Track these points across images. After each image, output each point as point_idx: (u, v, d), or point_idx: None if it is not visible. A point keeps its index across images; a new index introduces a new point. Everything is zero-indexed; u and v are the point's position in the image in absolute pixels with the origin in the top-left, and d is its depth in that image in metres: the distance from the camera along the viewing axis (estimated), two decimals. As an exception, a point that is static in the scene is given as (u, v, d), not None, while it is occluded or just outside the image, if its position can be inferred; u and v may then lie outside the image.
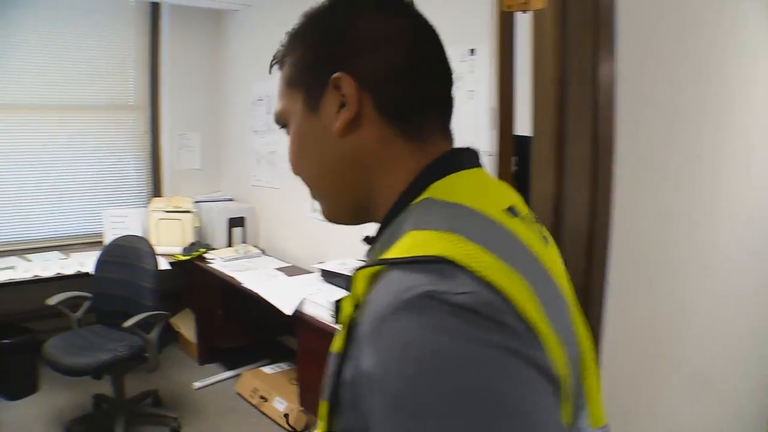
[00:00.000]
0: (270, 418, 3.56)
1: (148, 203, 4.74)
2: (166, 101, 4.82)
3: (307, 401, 3.31)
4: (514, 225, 0.73)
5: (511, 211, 0.75)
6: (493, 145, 1.75)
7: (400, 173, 0.78)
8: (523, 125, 1.61)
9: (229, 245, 4.41)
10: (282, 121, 0.87)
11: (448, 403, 0.53)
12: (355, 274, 0.66)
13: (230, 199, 4.76)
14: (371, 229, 0.83)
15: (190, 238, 4.42)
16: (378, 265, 0.64)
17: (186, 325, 4.55)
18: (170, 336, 4.61)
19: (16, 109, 4.48)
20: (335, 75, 0.76)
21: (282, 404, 3.49)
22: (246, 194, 4.70)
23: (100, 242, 4.24)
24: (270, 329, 4.18)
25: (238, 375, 4.10)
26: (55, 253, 4.37)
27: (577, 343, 0.74)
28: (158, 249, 4.32)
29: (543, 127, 1.50)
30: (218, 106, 4.96)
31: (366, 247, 0.84)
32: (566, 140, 1.47)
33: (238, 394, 3.90)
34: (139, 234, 4.41)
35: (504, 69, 1.72)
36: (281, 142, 4.17)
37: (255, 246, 4.39)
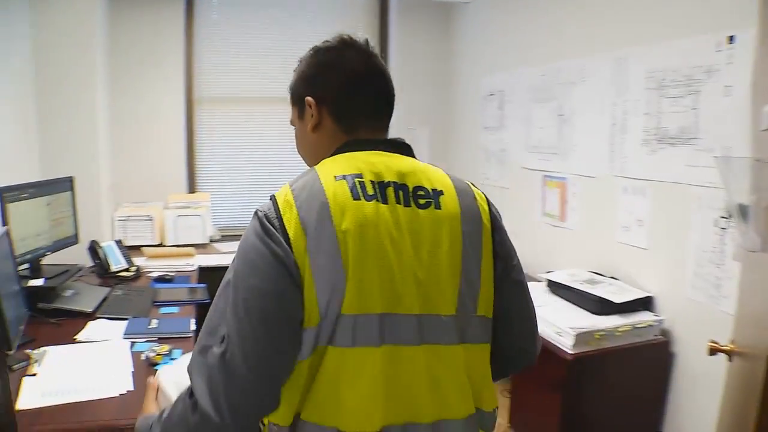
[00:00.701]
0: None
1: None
2: (396, 95, 4.78)
3: (517, 421, 3.05)
4: (329, 185, 1.19)
5: (346, 179, 1.20)
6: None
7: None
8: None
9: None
10: (292, 124, 1.45)
11: (240, 250, 1.18)
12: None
13: (457, 197, 4.61)
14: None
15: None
16: None
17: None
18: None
19: (249, 102, 4.86)
20: (306, 98, 1.35)
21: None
22: (474, 193, 4.51)
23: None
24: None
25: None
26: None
27: (345, 267, 1.13)
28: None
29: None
30: (448, 100, 4.85)
31: None
32: None
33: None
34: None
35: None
36: (512, 139, 3.95)
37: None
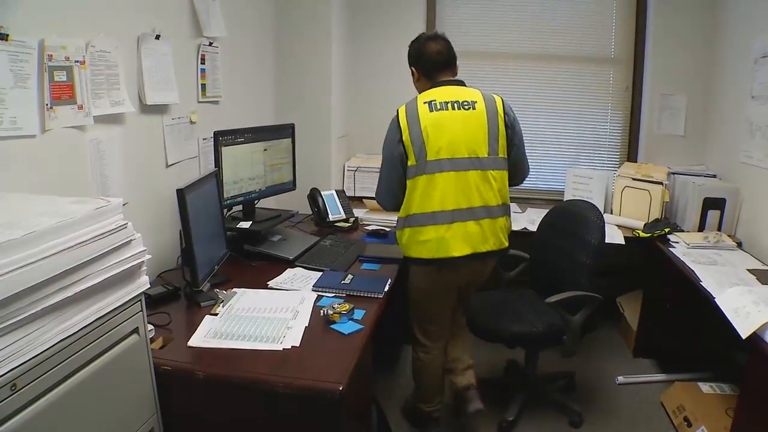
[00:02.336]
0: (688, 447, 2.95)
1: (617, 167, 4.32)
2: (649, 56, 4.30)
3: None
4: (421, 107, 2.64)
5: (428, 103, 2.64)
6: None
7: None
8: None
9: (700, 230, 3.70)
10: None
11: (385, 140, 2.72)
12: None
13: (713, 176, 3.97)
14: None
15: (656, 214, 3.87)
16: None
17: (631, 309, 4.05)
18: (612, 317, 4.24)
19: (496, 58, 4.60)
20: (411, 67, 2.86)
21: (707, 438, 2.81)
22: (732, 172, 3.84)
23: (560, 200, 4.02)
24: (723, 338, 3.36)
25: (669, 382, 3.50)
26: (512, 206, 4.29)
27: (426, 154, 2.58)
28: (618, 219, 3.95)
29: None
30: (710, 64, 4.14)
31: None
32: None
33: (662, 404, 3.34)
34: (600, 200, 4.09)
35: None
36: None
37: (730, 236, 3.57)
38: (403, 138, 2.60)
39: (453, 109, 2.64)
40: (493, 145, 2.64)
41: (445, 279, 2.75)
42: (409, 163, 2.61)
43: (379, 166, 2.78)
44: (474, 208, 2.61)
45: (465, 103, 2.66)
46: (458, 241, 2.61)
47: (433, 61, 2.75)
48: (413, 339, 3.01)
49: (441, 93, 2.67)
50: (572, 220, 3.21)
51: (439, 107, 2.63)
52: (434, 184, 2.58)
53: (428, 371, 3.00)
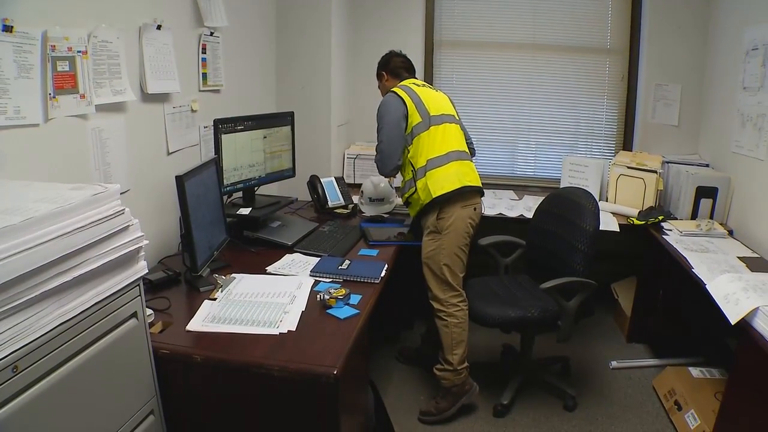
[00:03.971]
0: (676, 430, 3.01)
1: (612, 156, 4.37)
2: (644, 46, 4.33)
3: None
4: (409, 85, 3.26)
5: (411, 84, 3.29)
6: None
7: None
8: None
9: (693, 218, 3.74)
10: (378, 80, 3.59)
11: (386, 112, 3.18)
12: None
13: (706, 165, 4.02)
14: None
15: (650, 202, 3.92)
16: None
17: (625, 295, 4.11)
18: (606, 303, 4.31)
19: (493, 48, 4.65)
20: (381, 72, 3.52)
21: (694, 420, 2.88)
22: (724, 161, 3.89)
23: (555, 188, 4.05)
24: (715, 324, 3.41)
25: (661, 367, 3.56)
26: (508, 192, 4.37)
27: (438, 122, 3.16)
28: (613, 207, 3.99)
29: None
30: (704, 55, 4.16)
31: None
32: None
33: (653, 389, 3.40)
34: (596, 188, 4.14)
35: None
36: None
37: (722, 224, 3.62)
38: (407, 104, 3.12)
39: (428, 87, 3.34)
40: (456, 111, 3.36)
41: (471, 212, 3.11)
42: (416, 122, 3.12)
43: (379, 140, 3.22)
44: (460, 151, 3.17)
45: (432, 86, 3.43)
46: (463, 175, 3.10)
47: (399, 65, 3.45)
48: (442, 303, 3.07)
49: (413, 81, 3.35)
50: (567, 207, 3.25)
51: (420, 85, 3.30)
52: (438, 132, 3.12)
53: (466, 323, 3.09)
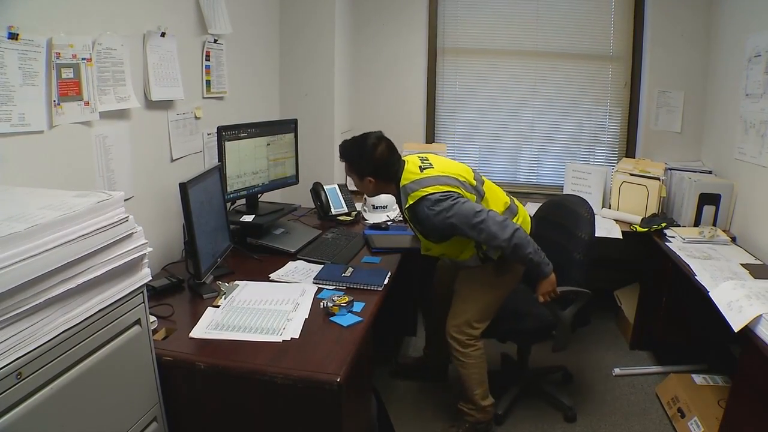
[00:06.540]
0: (680, 438, 3.00)
1: (615, 163, 4.37)
2: (647, 54, 4.33)
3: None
4: (435, 168, 2.75)
5: (425, 162, 2.78)
6: None
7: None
8: None
9: (695, 225, 3.74)
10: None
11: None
12: None
13: (708, 172, 4.02)
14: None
15: (653, 208, 3.92)
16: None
17: (628, 302, 4.10)
18: (609, 310, 4.33)
19: (497, 55, 4.66)
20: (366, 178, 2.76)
21: (697, 428, 2.87)
22: (726, 168, 3.89)
23: (558, 195, 4.04)
24: (718, 331, 3.40)
25: (665, 374, 3.55)
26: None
27: (481, 184, 2.81)
28: (615, 214, 4.00)
29: None
30: (706, 62, 4.17)
31: None
32: None
33: (657, 396, 3.39)
34: (599, 195, 4.16)
35: None
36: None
37: (725, 231, 3.62)
38: (462, 190, 2.64)
39: (430, 156, 2.84)
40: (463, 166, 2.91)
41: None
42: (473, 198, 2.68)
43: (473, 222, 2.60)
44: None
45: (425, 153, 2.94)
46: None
47: (390, 159, 2.72)
48: (469, 338, 2.91)
49: (416, 156, 2.81)
50: (563, 215, 3.20)
51: (435, 155, 2.88)
52: (486, 189, 2.82)
53: (484, 362, 2.97)
